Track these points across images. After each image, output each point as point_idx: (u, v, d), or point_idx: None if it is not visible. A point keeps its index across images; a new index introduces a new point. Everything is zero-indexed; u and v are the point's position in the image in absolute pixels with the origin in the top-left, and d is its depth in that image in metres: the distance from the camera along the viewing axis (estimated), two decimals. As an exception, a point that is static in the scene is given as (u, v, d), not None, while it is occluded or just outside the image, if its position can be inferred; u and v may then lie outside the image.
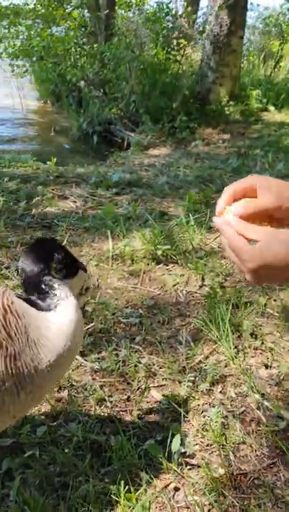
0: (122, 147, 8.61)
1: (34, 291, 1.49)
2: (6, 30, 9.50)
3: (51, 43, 8.32)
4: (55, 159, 5.74)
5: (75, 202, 4.63)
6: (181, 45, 9.41)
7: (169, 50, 9.38)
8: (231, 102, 9.45)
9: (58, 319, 1.43)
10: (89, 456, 1.88)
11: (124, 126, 9.06)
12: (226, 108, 9.35)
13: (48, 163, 5.72)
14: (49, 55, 8.39)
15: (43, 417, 2.09)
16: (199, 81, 9.62)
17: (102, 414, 2.13)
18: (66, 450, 1.91)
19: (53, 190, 4.81)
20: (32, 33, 9.02)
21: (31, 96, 12.05)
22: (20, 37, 9.34)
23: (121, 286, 3.23)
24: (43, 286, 1.47)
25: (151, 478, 1.84)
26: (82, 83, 9.58)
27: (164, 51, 9.32)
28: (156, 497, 1.77)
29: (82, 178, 5.36)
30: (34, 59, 8.60)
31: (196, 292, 3.19)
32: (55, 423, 2.07)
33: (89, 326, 2.75)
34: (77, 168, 5.95)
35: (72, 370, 2.40)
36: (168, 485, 1.82)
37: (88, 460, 1.85)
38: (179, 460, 1.91)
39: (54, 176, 5.21)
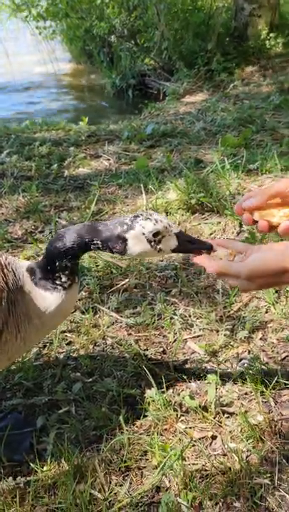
0: (159, 98, 8.27)
1: (50, 264, 1.53)
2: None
3: (75, -3, 8.02)
4: (86, 119, 5.61)
5: (108, 160, 4.52)
6: (213, -22, 8.73)
7: (200, -15, 8.73)
8: (272, 35, 8.69)
9: (48, 302, 1.55)
10: (124, 410, 1.87)
11: (158, 76, 8.68)
12: (266, 42, 8.66)
13: (80, 123, 5.61)
14: (74, 10, 8.08)
15: (78, 374, 2.10)
16: (234, 16, 8.93)
17: (138, 368, 2.10)
18: (101, 405, 1.91)
19: (85, 150, 4.73)
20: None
21: (63, 59, 11.82)
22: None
23: (156, 239, 3.13)
24: (57, 265, 1.51)
25: (188, 429, 1.80)
26: (112, 37, 9.23)
27: (195, -12, 8.69)
28: (193, 445, 1.73)
29: (115, 134, 5.21)
30: (60, 16, 8.30)
31: (234, 239, 3.04)
32: (90, 379, 2.07)
33: (124, 283, 2.71)
34: (110, 125, 5.79)
35: (107, 327, 2.38)
36: (204, 434, 1.77)
37: (123, 414, 1.84)
38: (216, 409, 1.85)
39: (86, 135, 5.10)
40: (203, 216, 3.31)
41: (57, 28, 9.38)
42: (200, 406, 1.85)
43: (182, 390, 1.98)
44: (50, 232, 3.20)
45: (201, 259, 1.41)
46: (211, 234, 3.11)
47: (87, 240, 1.48)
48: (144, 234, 1.43)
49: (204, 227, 3.18)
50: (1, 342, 1.49)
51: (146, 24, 8.38)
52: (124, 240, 1.45)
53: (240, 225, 3.11)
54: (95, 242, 1.48)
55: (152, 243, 1.45)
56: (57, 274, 1.52)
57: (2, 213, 3.53)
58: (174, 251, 1.50)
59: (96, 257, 2.91)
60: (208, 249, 1.45)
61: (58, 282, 1.53)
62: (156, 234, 1.44)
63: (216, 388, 1.91)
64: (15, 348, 1.55)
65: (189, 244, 1.49)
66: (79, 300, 2.59)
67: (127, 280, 2.73)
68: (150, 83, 8.81)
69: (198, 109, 6.18)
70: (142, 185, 3.77)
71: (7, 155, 4.36)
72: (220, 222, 3.19)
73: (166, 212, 3.38)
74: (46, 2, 9.11)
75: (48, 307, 1.55)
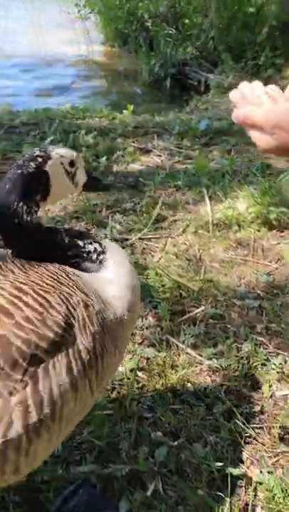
0: (199, 90, 7.76)
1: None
2: None
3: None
4: (131, 107, 5.14)
5: (159, 156, 4.08)
6: None
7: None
8: None
9: (110, 275, 1.28)
10: (227, 495, 1.45)
11: (200, 67, 8.16)
12: (317, 39, 8.13)
13: (124, 111, 5.14)
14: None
15: (159, 433, 1.68)
16: (285, 9, 8.40)
17: (234, 433, 1.68)
18: (197, 486, 1.50)
19: (133, 143, 4.27)
20: None
21: (97, 41, 11.26)
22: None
23: (228, 258, 2.70)
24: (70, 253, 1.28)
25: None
26: (150, 21, 8.69)
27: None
28: None
29: (164, 127, 4.75)
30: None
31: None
32: (175, 443, 1.65)
33: (197, 311, 2.28)
34: (156, 116, 5.33)
35: (187, 369, 1.96)
36: None
37: (228, 501, 1.43)
38: None
39: (132, 126, 4.65)
40: (283, 234, 2.87)
41: (95, 6, 8.82)
42: None
43: (296, 471, 1.56)
44: (106, 237, 2.77)
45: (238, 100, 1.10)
46: (293, 257, 2.67)
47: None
48: (62, 164, 1.28)
49: (285, 247, 2.75)
50: (99, 369, 1.14)
51: (195, 9, 7.84)
52: (46, 174, 1.24)
53: None
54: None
55: (70, 175, 1.32)
56: (88, 246, 1.28)
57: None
58: (84, 186, 1.38)
59: (162, 274, 2.49)
60: (110, 186, 1.52)
61: (93, 257, 1.28)
62: (72, 163, 1.31)
63: None
64: (112, 366, 1.23)
65: (95, 180, 1.44)
66: (146, 328, 2.18)
67: (202, 308, 2.30)
68: (190, 73, 8.28)
69: (251, 106, 5.70)
70: (204, 189, 3.34)
71: (51, 143, 3.91)
72: (304, 244, 2.76)
73: (239, 225, 2.94)
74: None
75: (118, 288, 1.27)
